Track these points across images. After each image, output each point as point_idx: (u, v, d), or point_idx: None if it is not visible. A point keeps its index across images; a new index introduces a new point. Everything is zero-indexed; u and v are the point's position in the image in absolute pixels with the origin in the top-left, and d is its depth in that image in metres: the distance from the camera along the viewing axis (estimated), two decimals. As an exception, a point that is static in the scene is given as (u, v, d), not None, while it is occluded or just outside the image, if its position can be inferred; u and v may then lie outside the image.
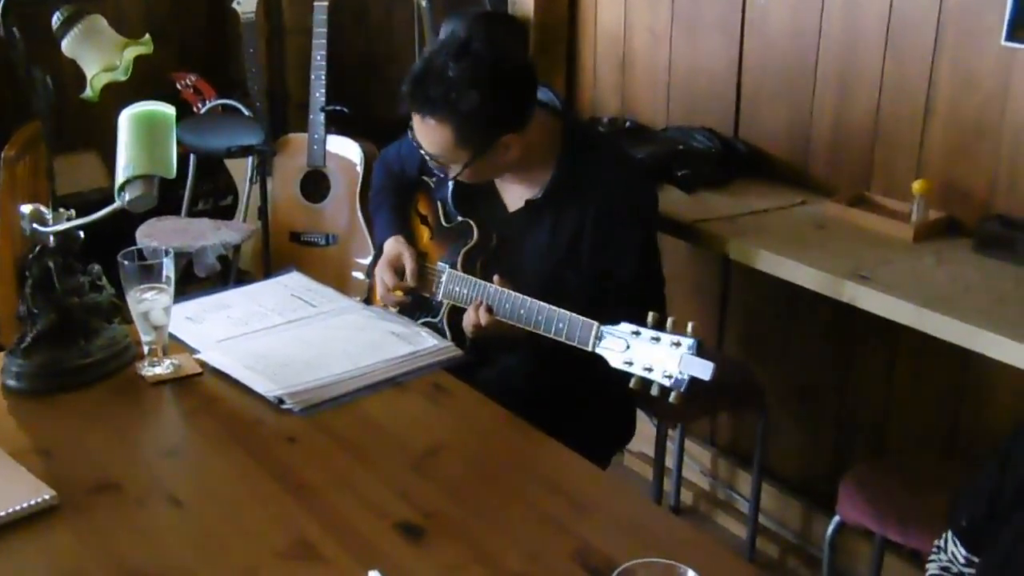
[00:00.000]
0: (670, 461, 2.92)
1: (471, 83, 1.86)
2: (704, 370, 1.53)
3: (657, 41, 2.86)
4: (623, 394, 1.66)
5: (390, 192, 2.28)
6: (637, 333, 1.62)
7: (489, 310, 1.89)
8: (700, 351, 1.55)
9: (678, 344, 1.56)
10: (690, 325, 1.57)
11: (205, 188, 4.09)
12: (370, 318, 1.94)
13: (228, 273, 3.45)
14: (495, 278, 1.91)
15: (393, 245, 2.13)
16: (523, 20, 3.00)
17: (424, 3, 3.53)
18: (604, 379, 1.68)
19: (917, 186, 2.20)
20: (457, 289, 2.01)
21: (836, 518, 2.08)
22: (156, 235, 3.34)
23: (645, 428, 2.57)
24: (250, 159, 3.63)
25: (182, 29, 4.46)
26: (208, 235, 3.37)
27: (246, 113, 3.79)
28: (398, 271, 2.10)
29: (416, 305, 2.13)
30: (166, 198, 3.75)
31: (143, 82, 4.04)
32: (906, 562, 2.37)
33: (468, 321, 1.93)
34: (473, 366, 1.92)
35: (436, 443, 1.55)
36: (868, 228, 2.25)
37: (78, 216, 1.68)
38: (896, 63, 2.31)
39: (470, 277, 1.99)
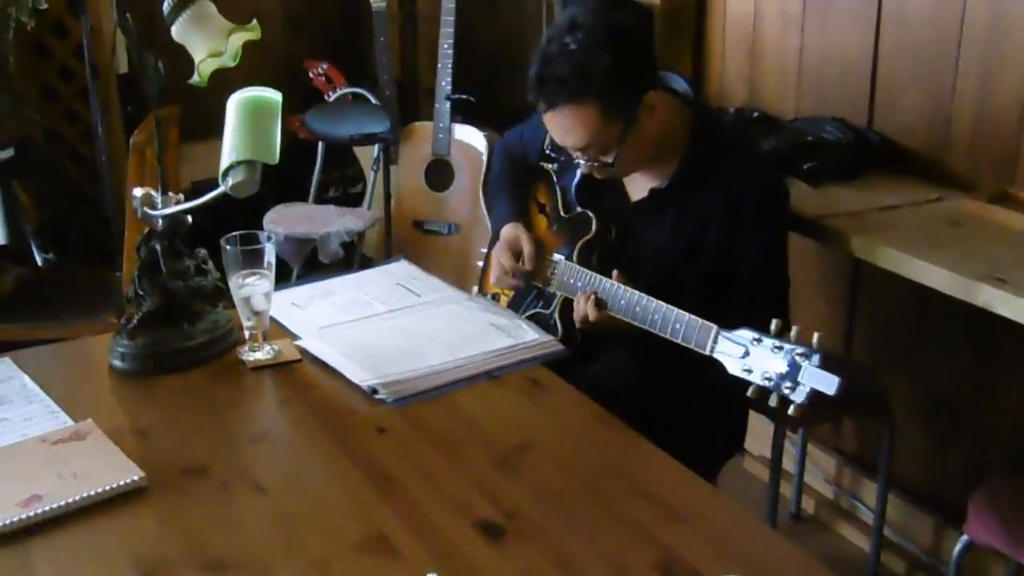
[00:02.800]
0: (791, 465, 2.81)
1: (596, 45, 1.79)
2: (829, 384, 1.43)
3: (788, 27, 2.74)
4: (735, 399, 1.58)
5: (509, 178, 2.24)
6: (758, 340, 1.53)
7: (599, 304, 1.83)
8: (826, 363, 1.45)
9: (802, 355, 1.46)
10: (816, 336, 1.47)
11: (335, 175, 4.15)
12: (472, 309, 1.91)
13: (352, 260, 3.48)
14: (614, 273, 1.84)
15: (511, 230, 2.08)
16: (648, 6, 2.92)
17: (553, -9, 3.48)
18: (716, 382, 1.61)
19: (1065, 182, 2.04)
20: (571, 281, 1.95)
21: (964, 537, 1.95)
22: (282, 221, 3.40)
23: (768, 431, 2.48)
24: (376, 147, 3.66)
25: (317, 19, 4.54)
26: (332, 222, 3.41)
27: (374, 102, 3.82)
28: (515, 255, 2.05)
29: (528, 295, 2.08)
30: (295, 185, 3.87)
31: (277, 70, 4.15)
32: (1045, 587, 2.21)
33: (577, 313, 1.87)
34: (577, 361, 1.87)
35: (526, 440, 1.50)
36: (1010, 227, 2.10)
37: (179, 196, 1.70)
38: (1046, 50, 2.14)
39: (585, 270, 1.93)
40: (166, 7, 1.67)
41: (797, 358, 1.45)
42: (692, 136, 1.94)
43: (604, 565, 1.24)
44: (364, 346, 1.74)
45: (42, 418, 1.53)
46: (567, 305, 1.98)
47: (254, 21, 1.69)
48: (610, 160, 1.89)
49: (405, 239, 3.64)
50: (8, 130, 3.41)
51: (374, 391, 1.60)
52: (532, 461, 1.46)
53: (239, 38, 1.68)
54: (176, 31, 1.67)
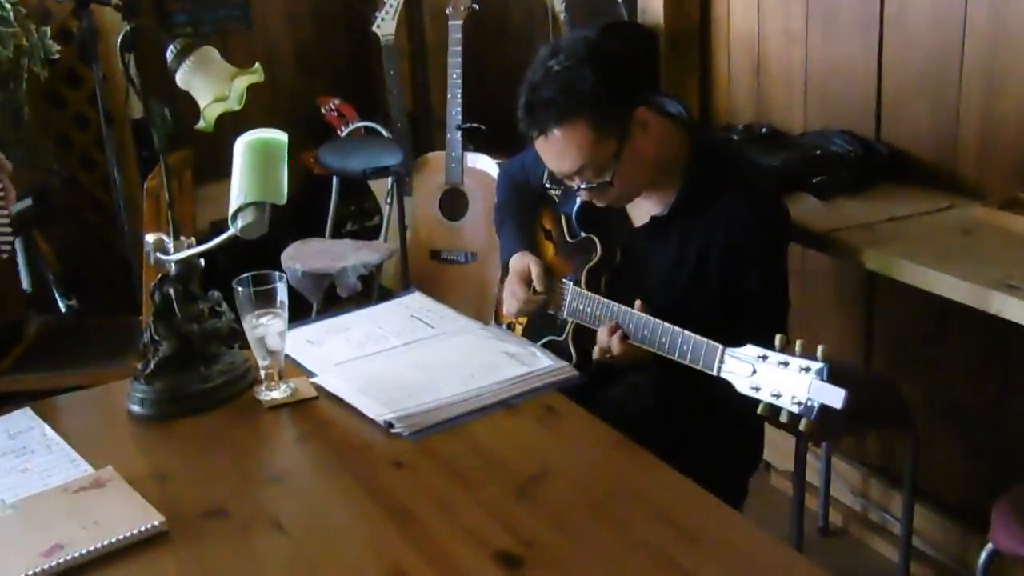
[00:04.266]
0: (817, 479, 2.79)
1: (578, 63, 1.80)
2: (835, 398, 1.43)
3: (792, 43, 2.74)
4: (751, 417, 1.58)
5: (514, 207, 2.25)
6: (764, 357, 1.53)
7: (624, 337, 1.81)
8: (831, 376, 1.45)
9: (807, 369, 1.46)
10: (820, 348, 1.47)
11: (351, 210, 4.18)
12: (486, 339, 1.92)
13: (370, 293, 3.50)
14: (637, 303, 1.82)
15: (520, 259, 2.08)
16: (651, 28, 2.94)
17: (563, 16, 3.51)
18: (730, 402, 1.61)
19: (1075, 185, 2.04)
20: (581, 307, 1.96)
21: (989, 545, 1.93)
22: (299, 257, 3.42)
23: (792, 445, 2.46)
24: (390, 179, 3.68)
25: (328, 56, 4.59)
26: (349, 256, 3.43)
27: (386, 135, 3.85)
28: (527, 283, 2.05)
29: (541, 323, 2.09)
30: (312, 220, 3.89)
31: (290, 108, 4.19)
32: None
33: (600, 345, 1.86)
34: (593, 387, 1.87)
35: (543, 468, 1.50)
36: (1021, 233, 2.09)
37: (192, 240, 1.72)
38: (1050, 53, 2.14)
39: (594, 295, 1.93)
40: (169, 55, 1.70)
41: (803, 372, 1.45)
42: (691, 160, 1.94)
43: (623, 591, 1.24)
44: (379, 380, 1.75)
45: (62, 467, 1.55)
46: (579, 331, 1.99)
47: (257, 64, 1.71)
48: (608, 179, 1.87)
49: (423, 269, 3.65)
50: (26, 181, 3.46)
51: (390, 425, 1.61)
52: (549, 489, 1.46)
53: (243, 81, 1.70)
54: (180, 78, 1.70)
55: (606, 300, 1.90)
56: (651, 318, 1.77)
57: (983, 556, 1.95)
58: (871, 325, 2.68)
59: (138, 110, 3.75)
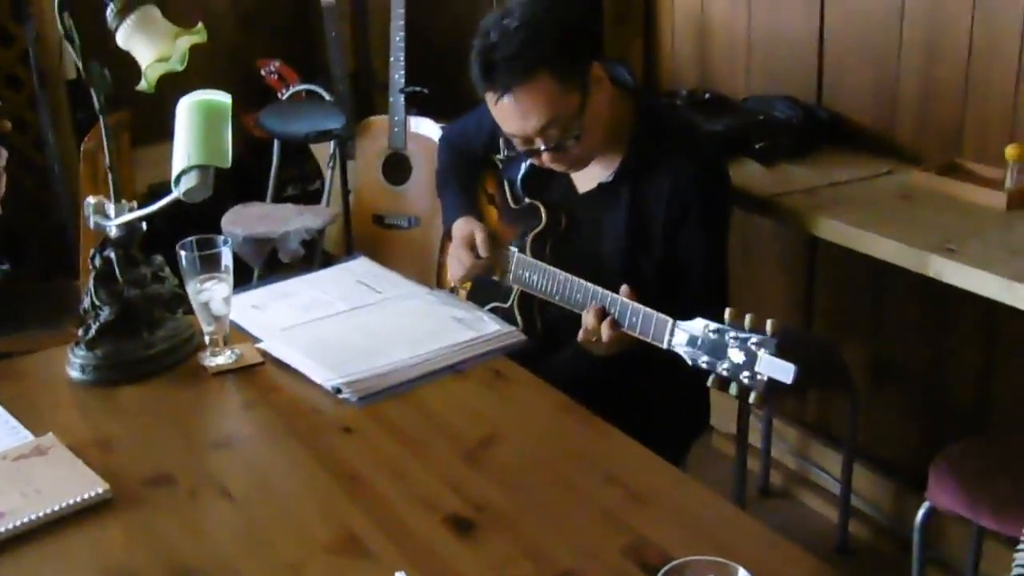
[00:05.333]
0: (758, 441, 2.84)
1: (537, 17, 1.80)
2: (785, 372, 1.44)
3: (736, 8, 2.75)
4: (697, 381, 1.59)
5: (456, 172, 2.22)
6: (714, 331, 1.52)
7: (614, 324, 1.75)
8: (781, 351, 1.46)
9: (757, 344, 1.47)
10: (769, 323, 1.47)
11: (292, 174, 4.12)
12: (433, 304, 1.91)
13: (312, 258, 3.47)
14: (623, 288, 1.75)
15: (464, 224, 2.06)
16: (596, -8, 2.93)
17: (505, -21, 3.48)
18: (677, 367, 1.62)
19: (1011, 151, 2.07)
20: (526, 274, 1.96)
21: (926, 503, 1.98)
22: (240, 222, 3.38)
23: (734, 408, 2.50)
24: (332, 143, 3.64)
25: (268, 17, 4.50)
26: (291, 220, 3.39)
27: (328, 98, 3.80)
28: (471, 248, 2.03)
29: (486, 289, 2.09)
30: (252, 184, 3.84)
31: (229, 70, 4.11)
32: (1010, 548, 2.25)
33: (587, 330, 1.78)
34: (539, 351, 1.88)
35: (491, 433, 1.51)
36: (958, 197, 2.13)
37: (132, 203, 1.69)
38: (986, 21, 2.17)
39: (539, 263, 1.93)
40: (109, 14, 1.65)
41: (753, 347, 1.46)
42: (636, 126, 1.94)
43: (574, 553, 1.25)
44: (326, 346, 1.74)
45: (2, 435, 1.52)
46: (524, 298, 1.99)
47: (200, 24, 1.67)
48: (576, 134, 1.85)
49: (366, 234, 3.63)
50: (-44, 142, 3.37)
51: (338, 391, 1.60)
52: (499, 453, 1.47)
53: (185, 41, 1.66)
54: (121, 37, 1.66)
55: (551, 268, 1.89)
56: (601, 289, 1.77)
57: (920, 514, 2.00)
58: (811, 288, 2.72)
59: (72, 70, 3.65)
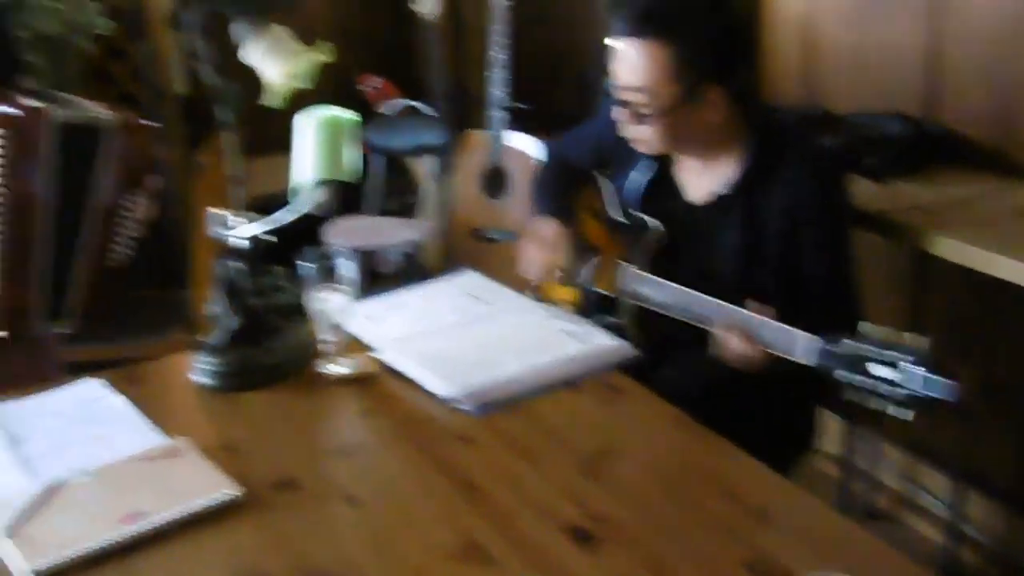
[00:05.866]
0: (863, 462, 2.80)
1: (710, 6, 1.83)
2: (946, 390, 1.42)
3: (844, 23, 2.73)
4: (805, 396, 1.58)
5: (553, 182, 2.24)
6: (861, 346, 1.51)
7: (752, 339, 1.73)
8: (936, 368, 1.44)
9: (914, 361, 1.45)
10: (923, 340, 1.46)
11: (392, 187, 4.19)
12: (544, 317, 1.93)
13: (412, 270, 3.52)
14: (753, 304, 1.76)
15: (547, 225, 2.08)
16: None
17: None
18: (784, 380, 1.61)
19: None
20: (640, 288, 1.96)
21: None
22: (342, 234, 3.44)
23: (838, 428, 2.47)
24: (432, 157, 3.69)
25: (369, 33, 4.59)
26: (391, 233, 3.46)
27: (428, 113, 3.86)
28: (553, 250, 2.05)
29: (594, 303, 2.10)
30: (354, 198, 3.91)
31: (330, 86, 4.18)
32: None
33: (736, 352, 1.76)
34: (649, 365, 1.88)
35: (608, 446, 1.52)
36: (1079, 216, 2.08)
37: (267, 216, 1.74)
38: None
39: (654, 277, 1.93)
40: (238, 33, 1.71)
41: (908, 364, 1.43)
42: (752, 138, 1.94)
43: (694, 566, 1.26)
44: (440, 357, 1.77)
45: (136, 436, 1.58)
46: (642, 314, 1.98)
47: (327, 44, 1.73)
48: (648, 114, 1.86)
49: (463, 248, 3.67)
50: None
51: (454, 401, 1.63)
52: (617, 466, 1.48)
53: (311, 60, 1.72)
54: (249, 56, 1.72)
55: (668, 282, 1.90)
56: (725, 303, 1.77)
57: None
58: (922, 308, 2.67)
59: (183, 85, 3.77)
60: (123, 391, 1.71)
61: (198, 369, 1.74)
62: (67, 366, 2.24)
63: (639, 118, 1.89)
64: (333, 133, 1.68)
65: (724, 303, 1.78)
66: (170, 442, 1.53)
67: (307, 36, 1.79)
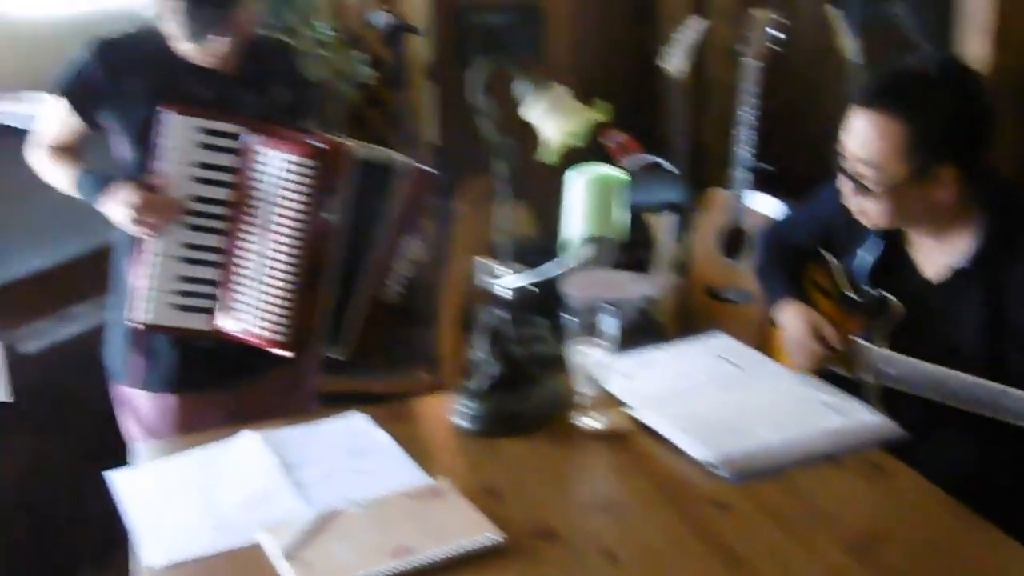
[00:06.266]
0: None
1: (951, 85, 1.76)
2: None
3: None
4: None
5: (780, 262, 2.21)
6: None
7: None
8: None
9: None
10: None
11: (629, 241, 4.21)
12: (799, 385, 1.89)
13: (645, 325, 3.52)
14: None
15: (800, 312, 2.06)
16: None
17: (855, 60, 3.44)
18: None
19: None
20: (886, 369, 1.89)
21: None
22: (580, 286, 3.48)
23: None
24: (672, 214, 3.70)
25: (612, 86, 4.65)
26: (628, 288, 3.47)
27: (670, 169, 3.87)
28: (819, 338, 2.01)
29: (832, 382, 2.03)
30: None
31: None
32: None
33: None
34: (911, 443, 1.81)
35: (875, 528, 1.47)
36: None
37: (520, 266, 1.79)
38: None
39: (901, 356, 1.87)
40: (518, 88, 1.78)
41: None
42: (988, 210, 1.84)
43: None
44: (695, 418, 1.76)
45: (400, 473, 1.64)
46: (889, 394, 1.91)
47: (603, 103, 1.77)
48: (874, 191, 1.81)
49: (698, 306, 3.64)
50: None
51: (712, 466, 1.61)
52: (886, 552, 1.42)
53: (588, 119, 1.76)
54: (530, 113, 1.78)
55: (918, 361, 1.83)
56: (994, 384, 1.69)
57: None
58: None
59: (434, 134, 3.95)
60: (385, 427, 1.79)
61: (459, 412, 1.79)
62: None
63: (865, 192, 1.84)
64: (604, 191, 1.72)
65: (982, 380, 1.69)
66: (433, 482, 1.58)
67: (598, 102, 1.84)
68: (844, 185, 1.89)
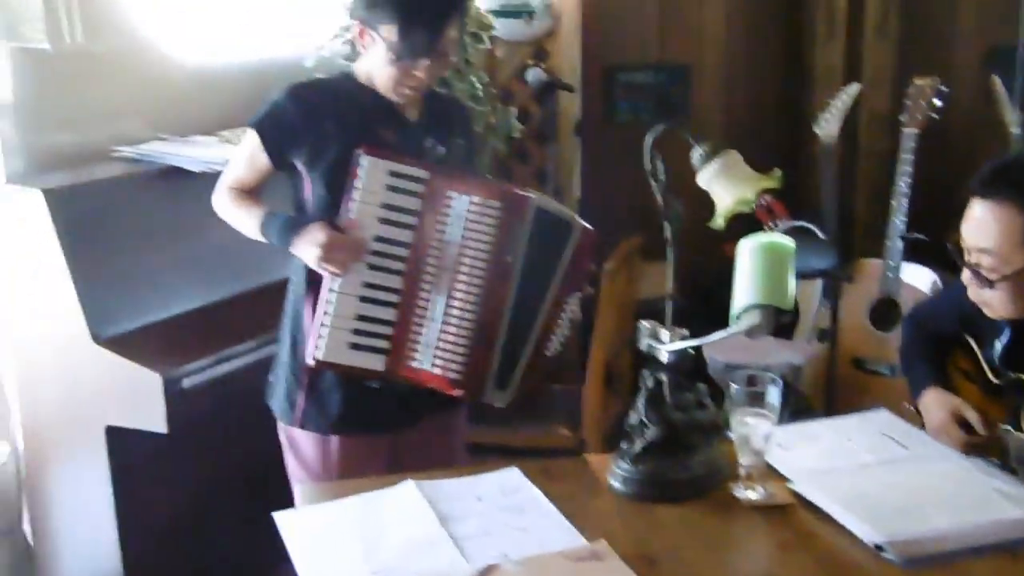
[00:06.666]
0: None
1: None
2: None
3: None
4: None
5: (923, 346, 2.20)
6: None
7: None
8: None
9: None
10: None
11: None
12: (969, 470, 1.82)
13: (788, 395, 3.44)
14: None
15: (941, 398, 2.06)
16: None
17: (1016, 132, 3.34)
18: None
19: None
20: None
21: None
22: (722, 349, 3.44)
23: None
24: (820, 282, 3.62)
25: (759, 150, 4.61)
26: (771, 353, 3.41)
27: (818, 235, 3.80)
28: (963, 425, 2.00)
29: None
30: (726, 311, 3.90)
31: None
32: None
33: None
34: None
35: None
36: None
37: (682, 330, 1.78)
38: None
39: None
40: (696, 156, 1.77)
41: None
42: None
43: None
44: (860, 497, 1.70)
45: (556, 533, 1.63)
46: None
47: (776, 171, 1.75)
48: (995, 277, 1.80)
49: (844, 377, 3.54)
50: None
51: (880, 548, 1.56)
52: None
53: (763, 185, 1.74)
54: (703, 178, 1.78)
55: None
56: None
57: None
58: None
59: (577, 188, 3.97)
60: (538, 483, 1.78)
61: (615, 474, 1.78)
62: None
63: (984, 283, 1.83)
64: (775, 259, 1.70)
65: None
66: (591, 545, 1.57)
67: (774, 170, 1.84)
68: (965, 277, 1.88)
